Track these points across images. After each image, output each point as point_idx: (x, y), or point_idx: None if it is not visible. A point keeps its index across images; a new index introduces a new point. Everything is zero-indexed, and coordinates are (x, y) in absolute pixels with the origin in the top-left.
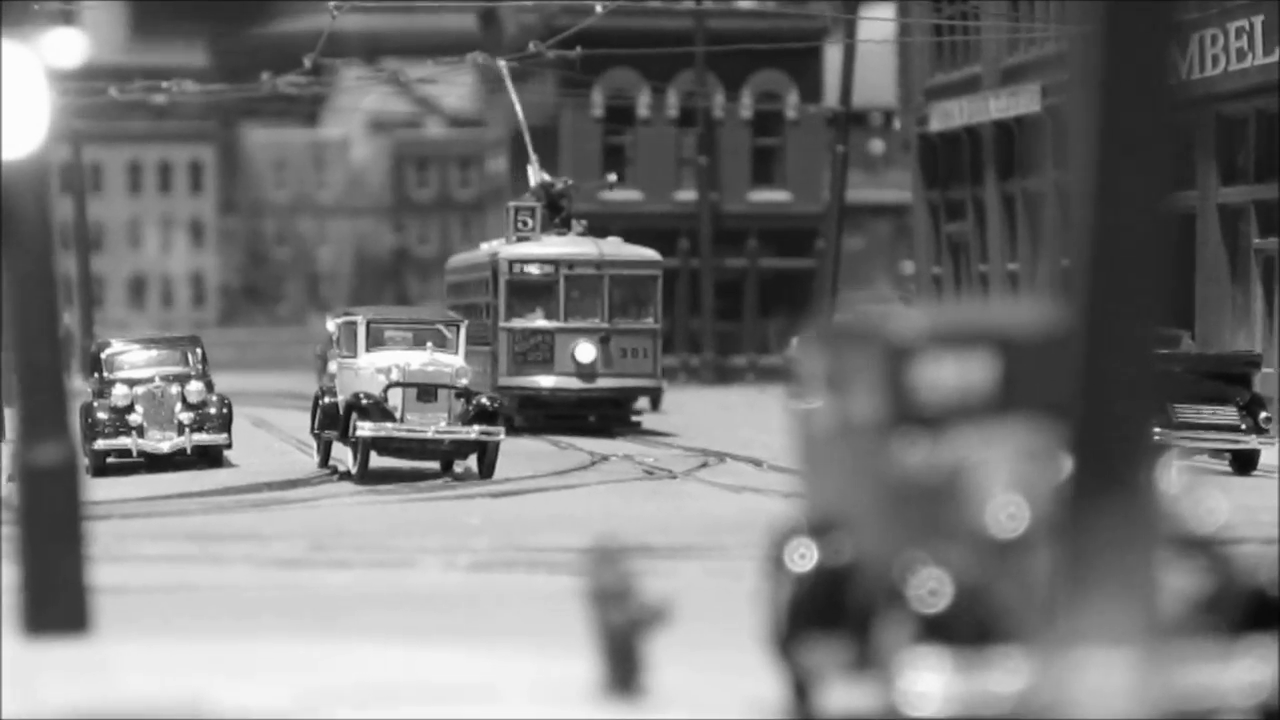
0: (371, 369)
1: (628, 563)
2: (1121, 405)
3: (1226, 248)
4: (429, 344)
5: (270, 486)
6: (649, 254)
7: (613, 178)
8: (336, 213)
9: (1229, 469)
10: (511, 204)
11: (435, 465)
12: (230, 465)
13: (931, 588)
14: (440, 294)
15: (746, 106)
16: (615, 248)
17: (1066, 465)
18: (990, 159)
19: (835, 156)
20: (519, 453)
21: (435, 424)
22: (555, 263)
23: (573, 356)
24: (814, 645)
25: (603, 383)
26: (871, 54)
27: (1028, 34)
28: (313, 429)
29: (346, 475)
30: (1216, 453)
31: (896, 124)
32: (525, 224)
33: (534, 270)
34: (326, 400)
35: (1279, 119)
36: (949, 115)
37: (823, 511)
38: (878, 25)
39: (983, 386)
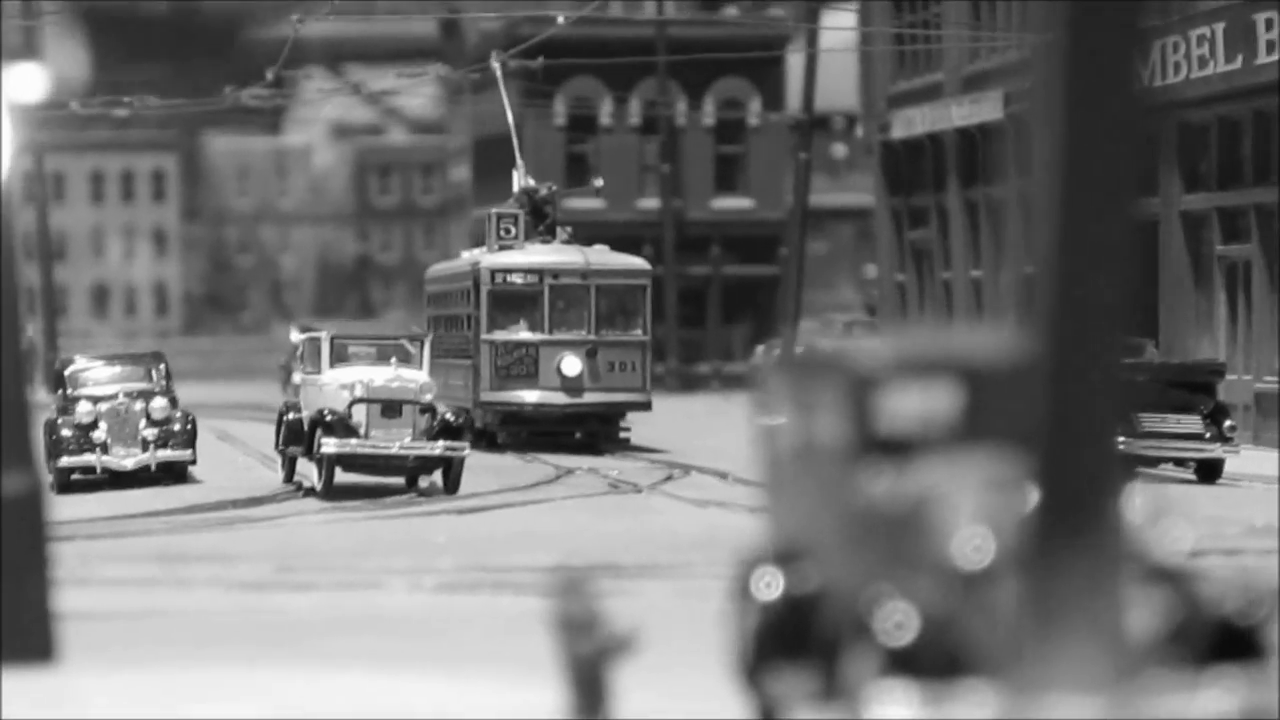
0: (336, 385)
1: (594, 592)
2: (1088, 435)
3: (1189, 255)
4: (393, 360)
5: (235, 504)
6: (637, 263)
7: (599, 183)
8: (299, 220)
9: (1193, 477)
10: (494, 210)
11: (400, 480)
12: (195, 481)
13: (898, 620)
14: (403, 301)
15: (709, 114)
16: (602, 256)
17: (1032, 496)
18: (953, 166)
19: (798, 163)
20: (484, 467)
21: (400, 440)
22: (539, 272)
23: (558, 370)
24: (780, 674)
25: (589, 397)
26: (833, 58)
27: (989, 41)
28: (277, 445)
29: (311, 491)
30: (1180, 461)
31: (859, 130)
32: (508, 232)
33: (517, 280)
34: (291, 416)
35: (1241, 126)
36: (911, 122)
37: (788, 538)
38: (839, 31)
39: (947, 416)
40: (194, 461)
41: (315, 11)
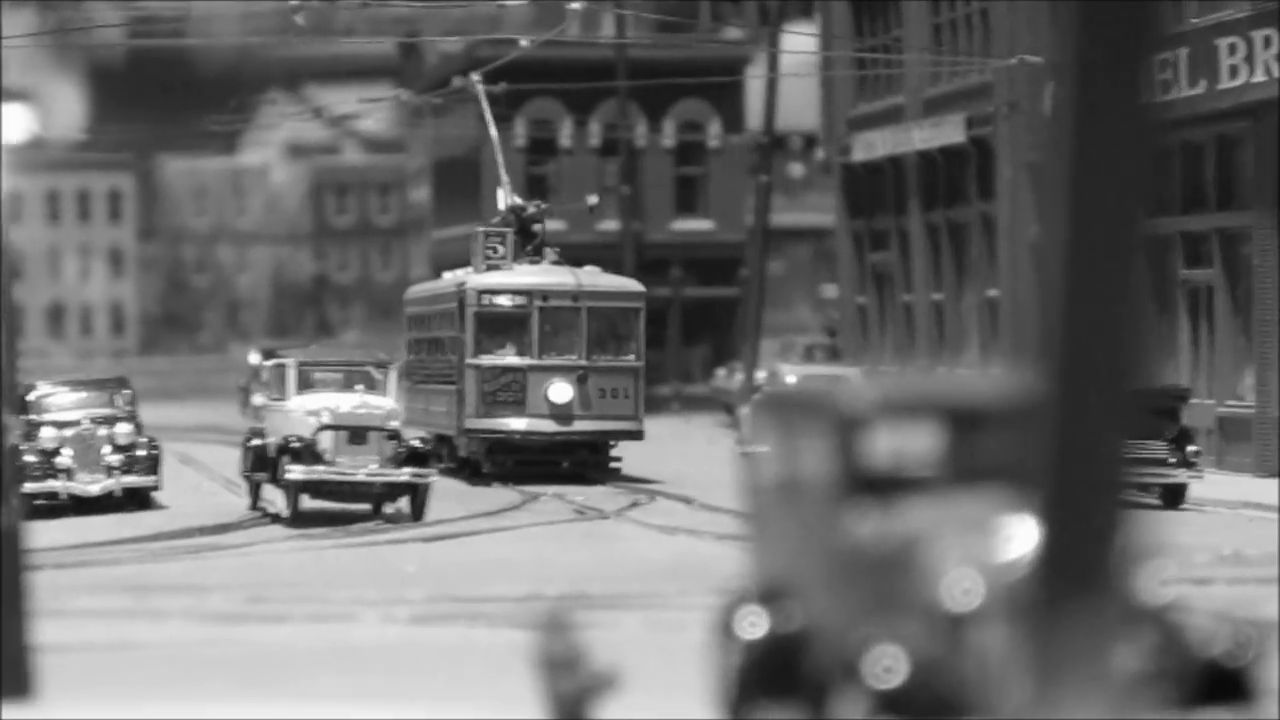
0: (302, 411)
1: (576, 630)
2: (1095, 476)
3: (1152, 279)
4: (359, 386)
5: (202, 531)
6: (631, 284)
7: (594, 200)
8: (256, 240)
9: (1158, 503)
10: (480, 228)
11: (366, 506)
12: (159, 507)
13: (886, 665)
14: (360, 321)
15: (669, 136)
16: (594, 277)
17: (1030, 537)
18: (914, 189)
19: (758, 186)
20: (449, 492)
21: (366, 466)
22: (528, 293)
23: (547, 397)
24: (765, 714)
25: (580, 425)
26: (793, 78)
27: (950, 65)
28: (243, 471)
29: (278, 518)
30: (1145, 487)
31: (820, 153)
32: (495, 251)
33: (505, 301)
34: (256, 442)
35: (1204, 151)
36: (872, 145)
37: (772, 576)
38: (800, 50)
39: (935, 457)
40: (158, 487)
41: (285, 34)
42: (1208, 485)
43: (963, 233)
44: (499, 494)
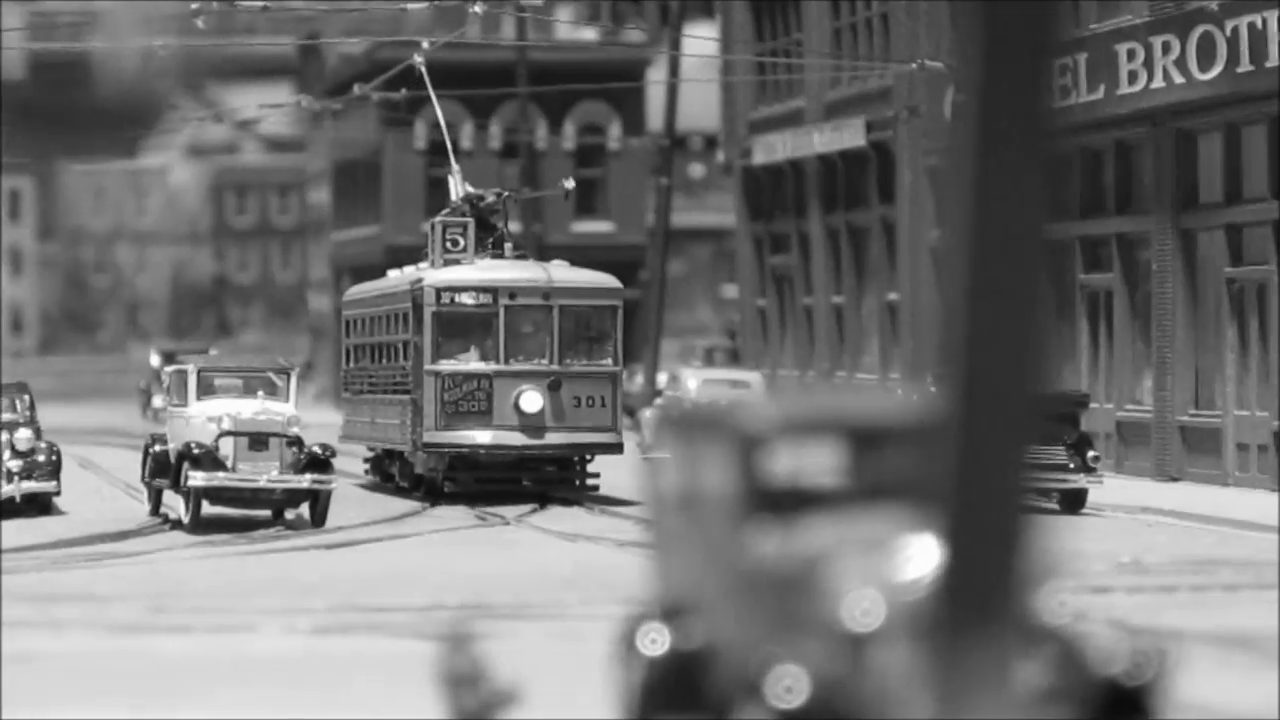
0: (203, 418)
1: (478, 645)
2: (998, 494)
3: (1051, 284)
4: (260, 392)
5: (103, 538)
6: (607, 280)
7: (569, 184)
8: (155, 240)
9: (1057, 508)
10: (438, 220)
11: (267, 513)
12: (59, 513)
13: (788, 684)
14: (260, 321)
15: (569, 138)
16: (566, 273)
17: (921, 557)
18: (814, 192)
19: (659, 188)
20: (349, 498)
21: (267, 473)
22: (494, 291)
23: (515, 406)
24: None
25: (552, 438)
26: (693, 79)
27: (851, 69)
28: (143, 477)
29: (178, 524)
30: (1044, 492)
31: (720, 156)
32: (455, 244)
33: (467, 300)
34: (158, 448)
35: (1103, 156)
36: (773, 148)
37: (674, 591)
38: (701, 50)
39: (837, 475)
40: (58, 492)
41: (186, 35)
42: (1107, 490)
43: (863, 236)
44: (398, 500)
